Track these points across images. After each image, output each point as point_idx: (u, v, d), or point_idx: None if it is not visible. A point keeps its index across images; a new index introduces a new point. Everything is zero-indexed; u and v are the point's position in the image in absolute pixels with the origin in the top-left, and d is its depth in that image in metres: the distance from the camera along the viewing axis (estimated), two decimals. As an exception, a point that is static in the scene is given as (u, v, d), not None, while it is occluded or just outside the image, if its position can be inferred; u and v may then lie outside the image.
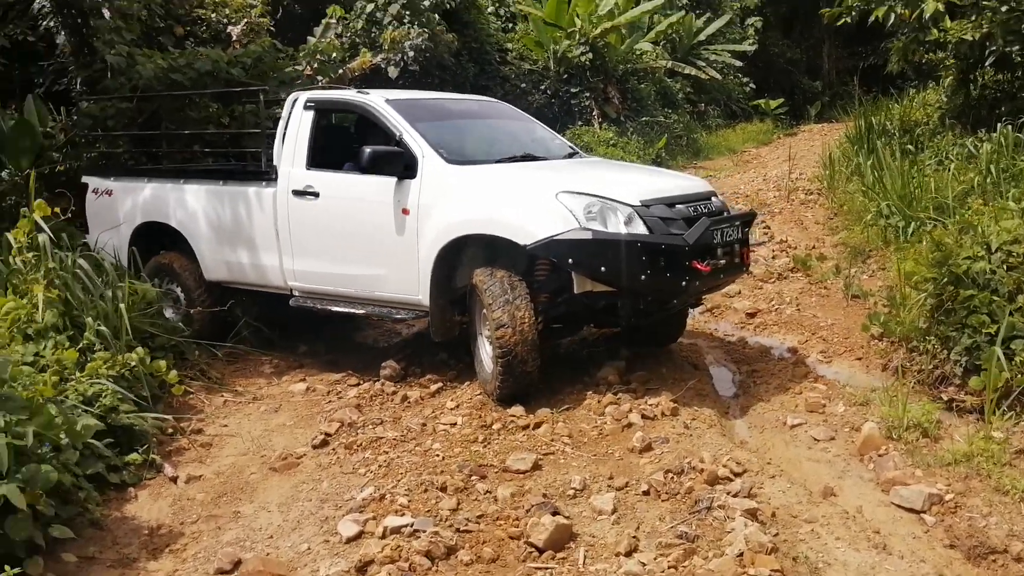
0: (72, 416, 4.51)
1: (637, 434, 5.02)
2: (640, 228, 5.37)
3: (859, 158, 12.02)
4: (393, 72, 17.88)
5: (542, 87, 20.78)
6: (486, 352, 5.74)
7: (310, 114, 6.57)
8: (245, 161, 7.81)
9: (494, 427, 5.32)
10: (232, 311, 7.21)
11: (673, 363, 6.49)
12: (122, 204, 7.50)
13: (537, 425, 5.30)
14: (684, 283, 5.49)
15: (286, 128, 6.63)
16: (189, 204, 7.12)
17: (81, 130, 12.27)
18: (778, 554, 3.76)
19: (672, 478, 4.47)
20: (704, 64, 24.76)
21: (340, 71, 17.45)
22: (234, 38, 15.05)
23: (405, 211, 5.92)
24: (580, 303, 5.67)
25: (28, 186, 6.46)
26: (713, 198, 6.08)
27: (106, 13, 12.00)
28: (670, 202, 5.66)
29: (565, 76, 20.85)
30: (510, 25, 23.17)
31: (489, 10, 22.78)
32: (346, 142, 6.92)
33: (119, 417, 5.22)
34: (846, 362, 6.64)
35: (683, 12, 24.28)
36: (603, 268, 5.32)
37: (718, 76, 24.89)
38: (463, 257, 5.87)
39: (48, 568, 3.94)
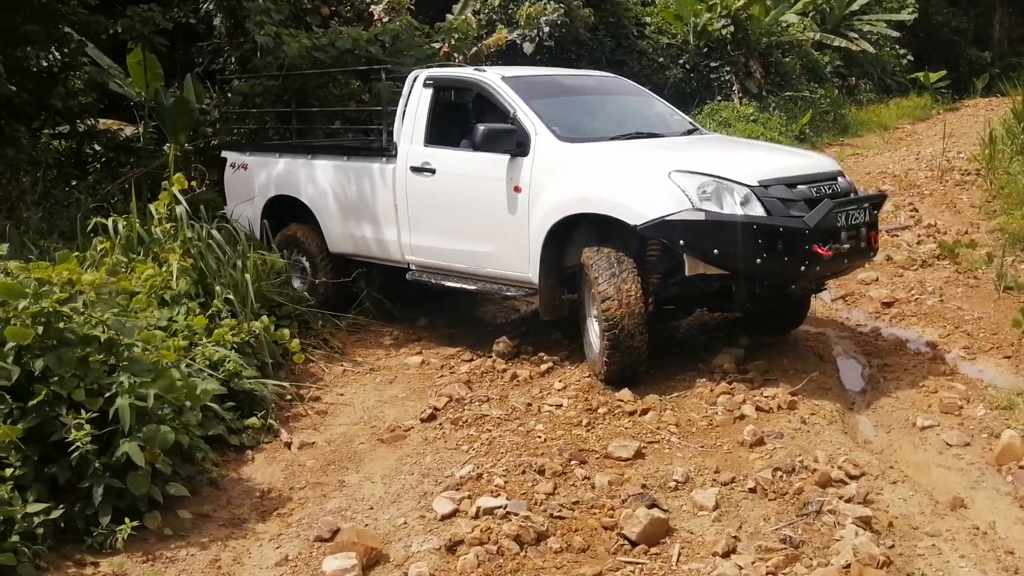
0: (194, 380, 4.71)
1: (748, 427, 4.81)
2: (757, 209, 5.18)
3: (1024, 136, 11.12)
4: (529, 48, 17.84)
5: (680, 61, 20.27)
6: (594, 332, 5.64)
7: (429, 91, 6.66)
8: (372, 137, 7.98)
9: (599, 411, 5.22)
10: (356, 283, 7.42)
11: (796, 353, 6.20)
12: (256, 178, 7.82)
13: (644, 411, 5.17)
14: (803, 268, 5.26)
15: (406, 105, 6.75)
16: (316, 179, 7.33)
17: (232, 107, 12.92)
18: (891, 568, 3.51)
19: (781, 477, 4.25)
20: (856, 36, 23.46)
21: (476, 48, 17.57)
22: (376, 16, 15.39)
23: (517, 188, 5.92)
24: (692, 286, 5.51)
25: (170, 161, 6.78)
26: (840, 178, 5.80)
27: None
28: (791, 182, 5.42)
29: (705, 50, 20.26)
30: (649, -2, 22.66)
31: (630, -17, 22.35)
32: (464, 119, 6.94)
33: (241, 382, 5.44)
34: (992, 360, 6.15)
35: (835, -19, 23.11)
36: (716, 251, 5.18)
37: (871, 48, 23.53)
38: (574, 236, 5.80)
39: (165, 523, 4.15)
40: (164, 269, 5.96)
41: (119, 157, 11.44)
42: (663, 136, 6.48)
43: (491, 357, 6.39)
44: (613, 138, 6.21)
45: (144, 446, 3.95)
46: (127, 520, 3.89)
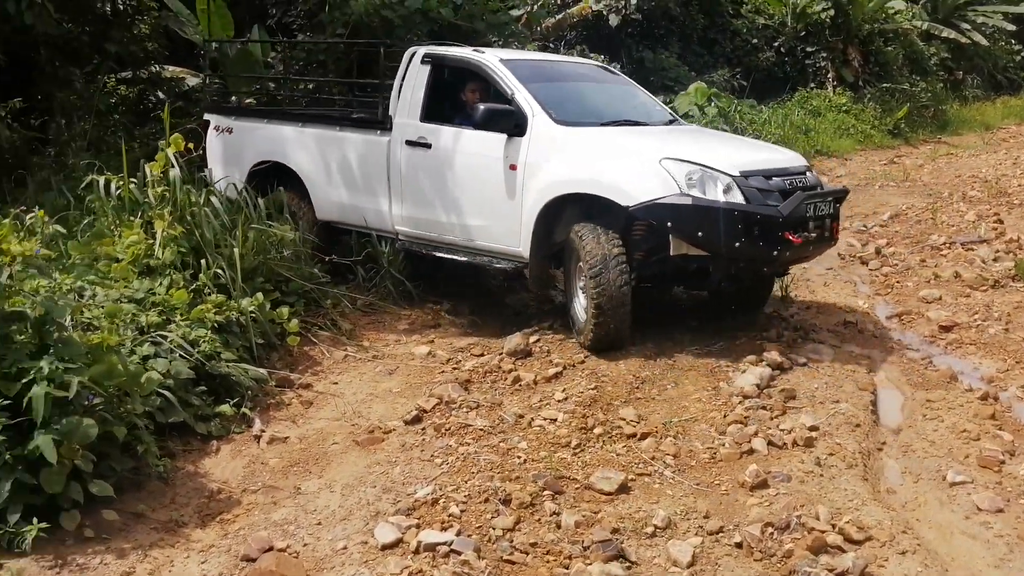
0: (140, 365, 4.38)
1: (752, 466, 4.27)
2: (738, 197, 5.57)
3: None
4: (614, 20, 17.11)
5: (775, 44, 19.30)
6: (580, 304, 5.97)
7: (427, 68, 6.83)
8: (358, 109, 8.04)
9: (594, 431, 4.73)
10: (377, 261, 7.15)
11: (832, 377, 5.58)
12: (242, 143, 7.79)
13: (644, 436, 4.66)
14: (776, 252, 5.71)
15: (403, 80, 6.89)
16: (307, 146, 7.37)
17: (296, 63, 12.64)
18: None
19: (772, 535, 3.72)
20: (968, 27, 21.98)
21: (559, 16, 16.95)
22: (456, -21, 14.90)
23: (513, 167, 6.16)
24: (673, 264, 5.83)
25: (165, 117, 6.44)
26: (808, 173, 6.21)
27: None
28: (768, 174, 5.82)
29: (802, 33, 19.25)
30: (750, -24, 21.54)
31: (730, -41, 21.31)
32: (457, 97, 7.02)
33: (217, 365, 5.11)
34: (1053, 406, 5.42)
35: (950, -34, 21.59)
36: (700, 233, 5.56)
37: (984, 41, 21.99)
38: (562, 214, 6.08)
39: (92, 523, 3.81)
40: (156, 237, 5.65)
41: (186, 107, 11.29)
42: (647, 125, 6.80)
43: (501, 354, 5.98)
44: (603, 124, 6.52)
45: (61, 440, 3.63)
46: (34, 520, 3.57)
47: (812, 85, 18.93)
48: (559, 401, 5.16)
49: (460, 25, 11.45)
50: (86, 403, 3.78)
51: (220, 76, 11.17)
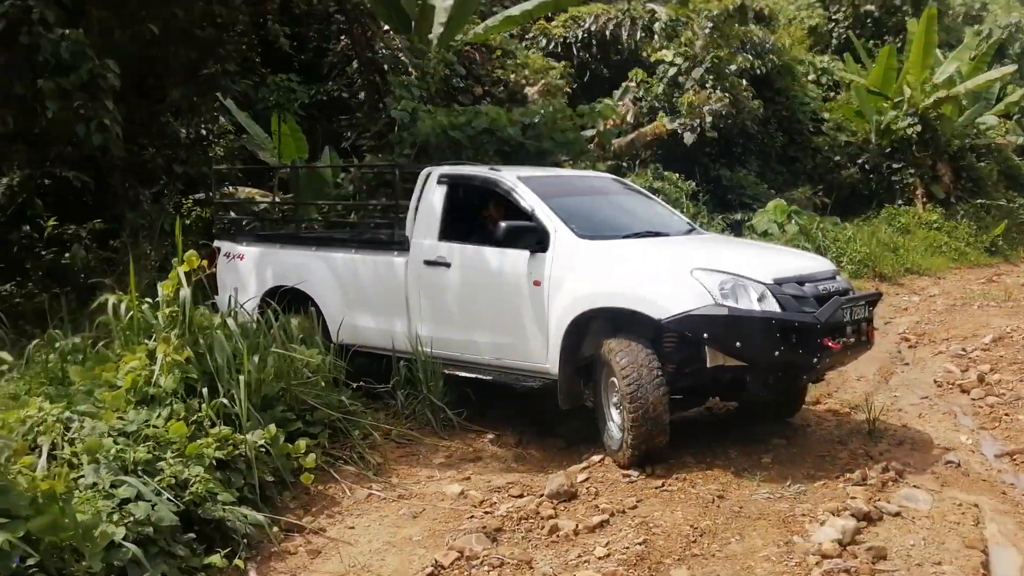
0: (100, 513, 3.81)
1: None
2: (773, 305, 5.47)
3: None
4: (689, 138, 16.73)
5: (859, 161, 18.65)
6: (614, 420, 5.79)
7: (443, 188, 6.78)
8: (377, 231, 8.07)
9: (637, 600, 3.94)
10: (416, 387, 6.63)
11: (931, 530, 4.66)
12: (253, 269, 7.68)
13: (695, 609, 3.85)
14: (816, 360, 5.60)
15: (419, 201, 6.83)
16: (321, 270, 7.29)
17: (366, 183, 12.59)
18: None
19: None
20: (1068, 140, 20.93)
21: (632, 136, 16.69)
22: (530, 98, 14.86)
23: (537, 283, 6.08)
24: (708, 375, 5.68)
25: (177, 233, 6.07)
26: (837, 277, 6.16)
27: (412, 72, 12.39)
28: (800, 280, 5.74)
29: (887, 150, 18.56)
30: (831, 94, 21.17)
31: (810, 77, 21.00)
32: (472, 215, 6.98)
33: (211, 508, 4.53)
34: None
35: (1044, 80, 20.75)
36: (738, 344, 5.45)
37: (1087, 155, 20.88)
38: (589, 328, 5.95)
39: None
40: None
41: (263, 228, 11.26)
42: (668, 235, 6.70)
43: (541, 496, 5.26)
44: (625, 236, 6.41)
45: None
46: None
47: (900, 202, 18.16)
48: (600, 558, 4.39)
49: (528, 144, 11.21)
50: (14, 566, 3.21)
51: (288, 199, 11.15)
